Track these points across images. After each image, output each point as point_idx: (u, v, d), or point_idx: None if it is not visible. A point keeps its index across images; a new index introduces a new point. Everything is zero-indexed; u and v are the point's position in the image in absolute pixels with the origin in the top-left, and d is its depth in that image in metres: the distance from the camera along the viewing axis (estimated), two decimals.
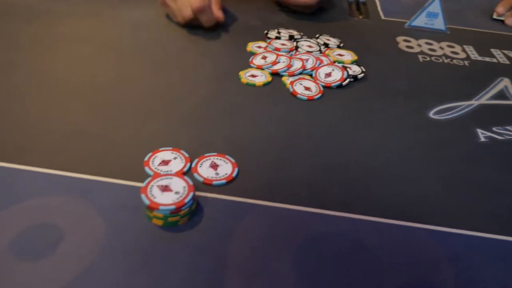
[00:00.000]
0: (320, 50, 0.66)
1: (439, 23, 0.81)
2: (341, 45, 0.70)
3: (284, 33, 0.70)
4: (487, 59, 0.73)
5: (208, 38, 0.69)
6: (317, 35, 0.72)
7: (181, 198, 0.37)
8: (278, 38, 0.69)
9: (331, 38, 0.72)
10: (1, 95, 0.52)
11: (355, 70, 0.63)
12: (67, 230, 0.36)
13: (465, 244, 0.39)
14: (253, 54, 0.65)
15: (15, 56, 0.60)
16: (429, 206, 0.43)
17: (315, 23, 0.79)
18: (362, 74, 0.62)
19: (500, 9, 0.88)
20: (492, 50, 0.77)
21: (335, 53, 0.66)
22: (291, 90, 0.57)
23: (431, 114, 0.57)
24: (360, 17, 0.85)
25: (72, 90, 0.54)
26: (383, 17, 0.86)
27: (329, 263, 0.36)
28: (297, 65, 0.61)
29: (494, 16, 0.89)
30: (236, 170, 0.44)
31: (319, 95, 0.57)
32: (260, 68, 0.62)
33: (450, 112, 0.58)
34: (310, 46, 0.67)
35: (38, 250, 0.34)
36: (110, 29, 0.70)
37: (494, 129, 0.56)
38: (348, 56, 0.66)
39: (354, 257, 0.37)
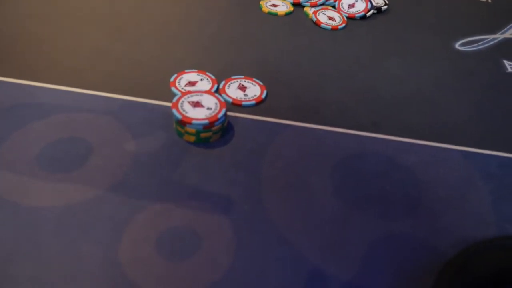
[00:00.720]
0: None
1: None
2: None
3: None
4: None
5: None
6: None
7: (213, 114, 0.36)
8: None
9: None
10: (23, 18, 0.50)
11: (378, 1, 0.61)
12: (96, 144, 0.35)
13: (498, 164, 0.38)
14: None
15: None
16: (461, 129, 0.42)
17: None
18: (386, 6, 0.60)
19: None
20: None
21: None
22: (314, 19, 0.55)
23: (457, 45, 0.56)
24: None
25: (91, 16, 0.52)
26: None
27: (364, 179, 0.35)
28: None
29: None
30: (265, 92, 0.42)
31: (343, 25, 0.55)
32: None
33: (476, 44, 0.57)
34: None
35: (69, 161, 0.34)
36: None
37: None
38: None
39: (388, 174, 0.36)
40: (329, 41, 0.53)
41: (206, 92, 0.38)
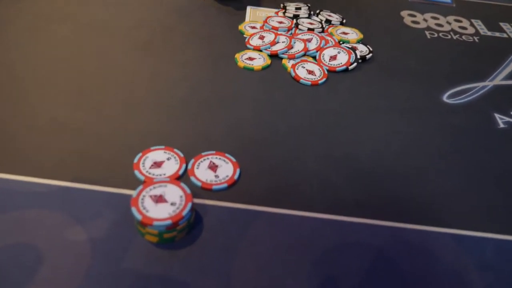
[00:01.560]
0: (322, 28, 0.60)
1: None
2: (344, 21, 0.64)
3: (294, 6, 0.64)
4: (497, 34, 0.69)
5: (197, 16, 0.63)
6: (317, 11, 0.66)
7: (178, 211, 0.32)
8: (298, 8, 0.63)
9: (332, 14, 0.66)
10: None
11: (362, 50, 0.58)
12: (46, 251, 0.31)
13: (495, 249, 0.35)
14: (243, 34, 0.59)
15: None
16: (450, 205, 0.39)
17: None
18: (370, 54, 0.57)
19: None
20: (502, 24, 0.72)
21: (339, 31, 0.61)
22: (293, 74, 0.52)
23: (444, 98, 0.53)
24: None
25: (49, 78, 0.48)
26: None
27: (345, 278, 0.32)
28: (298, 46, 0.56)
29: None
30: (238, 171, 0.39)
31: (324, 79, 0.52)
32: (257, 49, 0.56)
33: (465, 95, 0.54)
34: (311, 24, 0.61)
35: (14, 276, 0.30)
36: (92, 7, 0.63)
37: None
38: (353, 34, 0.60)
39: (372, 271, 0.32)
40: (308, 98, 0.49)
41: (171, 181, 0.35)
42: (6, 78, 0.47)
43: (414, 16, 0.71)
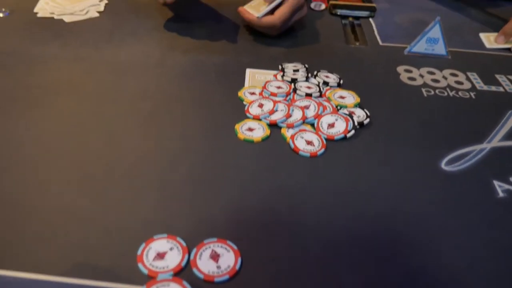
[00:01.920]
0: (320, 92, 0.62)
1: (439, 49, 0.77)
2: (341, 82, 0.66)
3: (292, 68, 0.66)
4: (493, 88, 0.70)
5: (198, 82, 0.65)
6: (315, 72, 0.67)
7: None
8: (296, 71, 0.66)
9: (330, 75, 0.67)
10: None
11: (359, 115, 0.59)
12: None
13: None
14: (242, 100, 0.61)
15: None
16: (457, 283, 0.39)
17: (309, 53, 0.74)
18: (368, 119, 0.58)
19: (500, 38, 0.83)
20: (497, 76, 0.73)
21: (337, 95, 0.62)
22: (292, 146, 0.53)
23: (443, 164, 0.53)
24: (357, 43, 0.80)
25: (52, 158, 0.49)
26: (381, 43, 0.81)
27: None
28: (296, 115, 0.57)
29: (489, 46, 0.84)
30: (239, 260, 0.39)
31: (322, 150, 0.53)
32: (257, 118, 0.57)
33: (463, 161, 0.54)
34: (309, 88, 0.62)
35: None
36: (94, 76, 0.64)
37: None
38: (350, 98, 0.61)
39: None
40: (308, 172, 0.50)
41: (173, 279, 0.35)
42: (8, 159, 0.48)
43: (411, 71, 0.72)
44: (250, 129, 0.55)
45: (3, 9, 0.81)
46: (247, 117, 0.58)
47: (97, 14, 0.83)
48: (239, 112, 0.59)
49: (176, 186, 0.47)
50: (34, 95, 0.59)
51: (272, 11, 0.72)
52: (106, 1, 0.88)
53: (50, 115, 0.56)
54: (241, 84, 0.65)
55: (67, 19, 0.80)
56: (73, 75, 0.64)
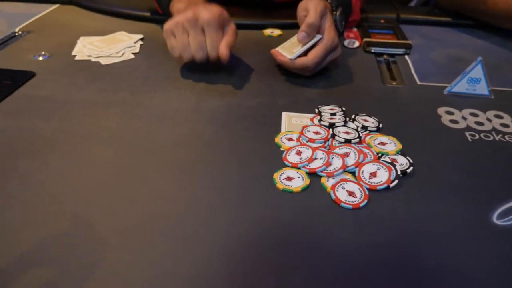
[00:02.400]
0: (359, 137, 0.60)
1: (481, 88, 0.75)
2: (380, 126, 0.64)
3: (329, 111, 0.65)
4: None
5: (234, 128, 0.64)
6: (353, 116, 0.65)
7: None
8: (333, 114, 0.65)
9: (368, 118, 0.65)
10: None
11: (402, 163, 0.57)
12: None
13: None
14: (279, 147, 0.59)
15: (22, 164, 0.55)
16: None
17: (345, 94, 0.73)
18: (411, 168, 0.55)
19: None
20: None
21: (377, 141, 0.60)
22: (333, 197, 0.51)
23: (495, 218, 0.50)
24: (394, 83, 0.78)
25: (82, 207, 0.49)
26: (418, 82, 0.79)
27: None
28: (336, 163, 0.55)
29: None
30: None
31: (365, 201, 0.51)
32: (295, 166, 0.56)
33: None
34: (348, 133, 0.61)
35: None
36: (129, 122, 0.65)
37: None
38: (391, 144, 0.59)
39: None
40: (350, 223, 0.48)
41: None
42: (46, 210, 0.48)
43: (452, 113, 0.70)
44: (289, 178, 0.54)
45: (43, 53, 0.83)
46: (285, 165, 0.56)
47: (132, 56, 0.84)
48: (277, 159, 0.58)
49: (216, 241, 0.46)
50: (72, 142, 0.60)
51: (305, 52, 0.72)
52: (142, 42, 0.89)
53: (87, 163, 0.56)
54: (278, 129, 0.64)
55: (103, 61, 0.81)
56: (109, 121, 0.64)
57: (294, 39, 0.75)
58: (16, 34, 0.92)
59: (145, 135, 0.62)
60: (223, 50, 0.69)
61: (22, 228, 0.47)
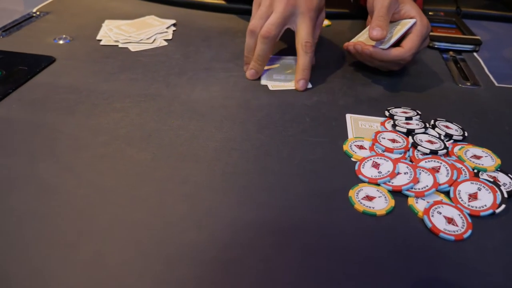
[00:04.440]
0: (446, 148, 0.49)
1: None
2: (466, 134, 0.53)
3: (403, 114, 0.54)
4: None
5: (293, 130, 0.54)
6: (432, 121, 0.55)
7: None
8: (409, 118, 0.55)
9: (450, 125, 0.54)
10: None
11: (505, 182, 0.46)
12: None
13: None
14: (350, 156, 0.49)
15: (41, 168, 0.45)
16: None
17: (414, 95, 0.62)
18: None
19: None
20: None
21: (469, 153, 0.49)
22: (429, 225, 0.40)
23: None
24: (468, 83, 0.67)
25: (107, 217, 0.38)
26: (496, 83, 0.68)
27: None
28: (426, 180, 0.44)
29: None
30: None
31: (469, 231, 0.40)
32: (374, 182, 0.45)
33: None
34: (431, 142, 0.50)
35: None
36: (166, 120, 0.54)
37: None
38: (487, 158, 0.49)
39: None
40: (453, 260, 0.38)
41: None
42: (72, 221, 0.38)
43: None
44: (369, 198, 0.43)
45: (64, 36, 0.73)
46: (361, 180, 0.46)
47: (165, 43, 0.73)
48: (349, 171, 0.47)
49: (284, 279, 0.35)
50: (99, 142, 0.49)
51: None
52: (174, 28, 0.79)
53: (119, 170, 0.46)
54: (343, 133, 0.53)
55: (132, 48, 0.71)
56: (143, 117, 0.54)
57: (366, 33, 0.64)
58: (34, 15, 0.82)
59: (186, 136, 0.51)
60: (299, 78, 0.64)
61: (37, 245, 0.36)
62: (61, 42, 0.72)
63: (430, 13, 0.89)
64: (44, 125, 0.52)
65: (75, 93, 0.59)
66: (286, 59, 0.69)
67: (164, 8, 0.89)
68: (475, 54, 0.78)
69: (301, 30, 0.61)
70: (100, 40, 0.73)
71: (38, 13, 0.84)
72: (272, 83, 0.62)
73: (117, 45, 0.72)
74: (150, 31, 0.76)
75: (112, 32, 0.75)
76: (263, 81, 0.63)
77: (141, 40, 0.73)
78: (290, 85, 0.62)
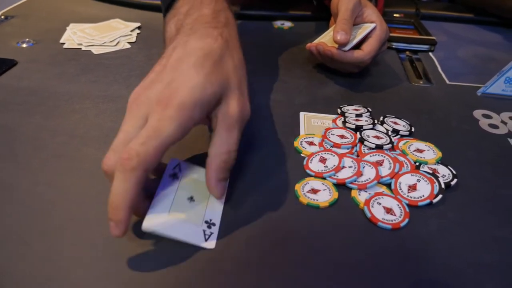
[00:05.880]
0: (391, 142, 0.52)
1: None
2: (413, 129, 0.55)
3: (354, 111, 0.56)
4: None
5: (248, 127, 0.55)
6: (381, 118, 0.57)
7: None
8: (359, 115, 0.57)
9: (398, 121, 0.57)
10: None
11: (444, 174, 0.48)
12: None
13: None
14: (299, 152, 0.51)
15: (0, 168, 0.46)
16: None
17: (368, 93, 0.64)
18: (455, 180, 0.47)
19: None
20: None
21: (412, 147, 0.52)
22: (369, 215, 0.42)
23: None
24: (421, 82, 0.70)
25: (69, 220, 0.39)
26: (448, 81, 0.71)
27: None
28: (369, 173, 0.47)
29: None
30: None
31: (406, 220, 0.42)
32: (320, 176, 0.47)
33: None
34: (378, 138, 0.52)
35: None
36: None
37: None
38: (429, 152, 0.51)
39: None
40: (389, 248, 0.40)
41: None
42: (29, 221, 0.39)
43: (490, 117, 0.62)
44: (314, 191, 0.45)
45: (27, 39, 0.74)
46: (308, 174, 0.48)
47: (128, 46, 0.75)
48: (297, 166, 0.49)
49: (227, 267, 0.37)
50: (57, 143, 0.51)
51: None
52: (138, 31, 0.80)
53: (76, 168, 0.47)
54: (296, 130, 0.55)
55: (95, 50, 0.72)
56: (102, 118, 0.55)
57: (329, 34, 0.67)
58: None
59: None
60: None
61: None
62: (24, 45, 0.73)
63: (395, 15, 0.92)
64: (3, 126, 0.53)
65: (35, 95, 0.60)
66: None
67: (130, 11, 0.91)
68: (430, 54, 0.81)
69: None
70: (63, 44, 0.74)
71: (2, 17, 0.84)
72: None
73: (80, 48, 0.73)
74: (114, 34, 0.77)
75: (75, 35, 0.76)
76: None
77: (104, 43, 0.75)
78: None
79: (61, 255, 0.37)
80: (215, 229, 0.38)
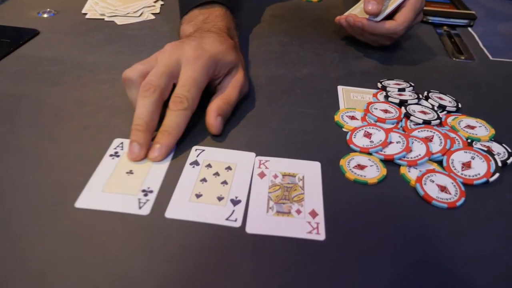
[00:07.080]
0: (439, 118, 0.48)
1: None
2: (460, 106, 0.52)
3: (396, 86, 0.53)
4: None
5: (284, 101, 0.52)
6: (425, 93, 0.53)
7: None
8: (401, 90, 0.53)
9: (443, 96, 0.53)
10: None
11: (499, 151, 0.45)
12: None
13: None
14: (341, 127, 0.47)
15: (24, 136, 0.43)
16: None
17: (407, 68, 0.61)
18: (511, 158, 0.44)
19: None
20: None
21: (462, 123, 0.48)
22: (422, 193, 0.39)
23: None
24: (462, 57, 0.66)
25: None
26: (491, 57, 0.67)
27: None
28: (419, 149, 0.43)
29: None
30: None
31: (462, 199, 0.39)
32: (365, 151, 0.44)
33: None
34: (424, 113, 0.49)
35: None
36: None
37: None
38: (481, 128, 0.48)
39: None
40: (446, 228, 0.37)
41: None
42: (59, 196, 0.36)
43: None
44: (360, 166, 0.42)
45: (48, 10, 0.71)
46: (352, 150, 0.45)
47: (152, 17, 0.71)
48: (340, 141, 0.46)
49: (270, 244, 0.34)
50: (83, 113, 0.48)
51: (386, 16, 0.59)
52: (162, 2, 0.77)
53: (103, 140, 0.44)
54: (335, 105, 0.52)
55: (119, 21, 0.69)
56: None
57: (359, 6, 0.63)
58: None
59: None
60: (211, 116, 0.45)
61: (17, 213, 0.35)
62: (45, 15, 0.70)
63: None
64: (27, 96, 0.50)
65: (58, 65, 0.57)
66: None
67: None
68: (469, 29, 0.76)
69: (177, 82, 0.44)
70: (85, 14, 0.71)
71: None
72: None
73: (103, 19, 0.70)
74: (137, 5, 0.73)
75: (98, 6, 0.73)
76: None
77: (127, 13, 0.71)
78: None
79: (93, 228, 0.35)
80: (151, 196, 0.38)
